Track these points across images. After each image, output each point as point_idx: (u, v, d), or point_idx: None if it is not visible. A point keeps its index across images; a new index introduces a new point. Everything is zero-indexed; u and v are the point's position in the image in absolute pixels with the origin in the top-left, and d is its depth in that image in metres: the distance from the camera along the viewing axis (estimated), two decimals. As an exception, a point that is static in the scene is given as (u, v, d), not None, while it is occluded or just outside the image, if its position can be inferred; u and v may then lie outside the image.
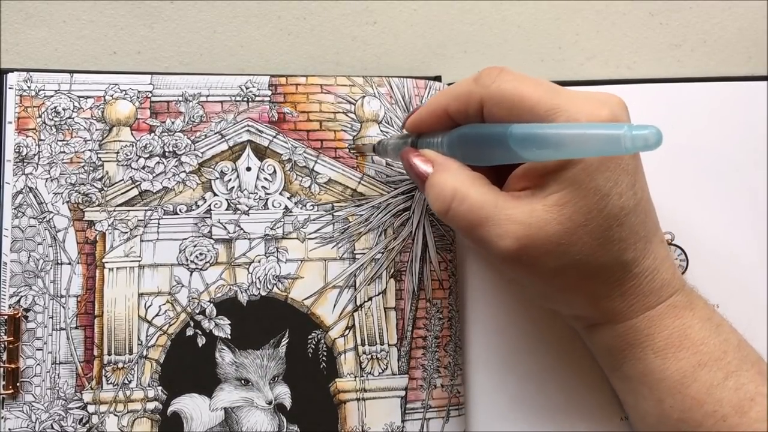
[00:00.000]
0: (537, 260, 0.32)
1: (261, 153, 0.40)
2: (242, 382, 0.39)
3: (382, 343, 0.40)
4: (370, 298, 0.40)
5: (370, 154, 0.41)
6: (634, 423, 0.37)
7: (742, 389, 0.32)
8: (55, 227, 0.38)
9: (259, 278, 0.39)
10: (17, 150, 0.38)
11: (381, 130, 0.41)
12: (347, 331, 0.40)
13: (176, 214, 0.39)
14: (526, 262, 0.32)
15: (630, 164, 0.32)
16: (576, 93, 0.31)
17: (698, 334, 0.33)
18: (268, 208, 0.40)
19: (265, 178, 0.40)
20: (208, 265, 0.39)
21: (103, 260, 0.38)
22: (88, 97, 0.39)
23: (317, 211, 0.40)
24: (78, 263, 0.38)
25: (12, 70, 0.39)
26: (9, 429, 0.37)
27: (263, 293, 0.39)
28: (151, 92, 0.40)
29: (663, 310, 0.34)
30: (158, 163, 0.39)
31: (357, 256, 0.40)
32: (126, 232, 0.39)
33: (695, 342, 0.33)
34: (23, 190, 0.38)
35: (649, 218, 0.33)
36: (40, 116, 0.39)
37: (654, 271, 0.33)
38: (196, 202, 0.39)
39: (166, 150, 0.40)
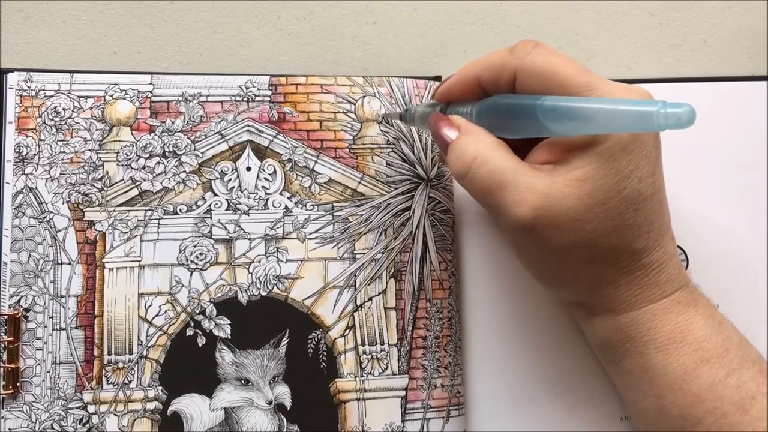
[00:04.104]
0: (551, 233, 0.32)
1: (261, 153, 0.40)
2: (242, 382, 0.39)
3: (382, 343, 0.40)
4: (370, 298, 0.40)
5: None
6: (634, 419, 0.37)
7: (744, 387, 0.32)
8: (55, 227, 0.38)
9: (259, 278, 0.39)
10: (17, 150, 0.38)
11: (381, 130, 0.41)
12: (347, 331, 0.39)
13: (176, 214, 0.39)
14: (539, 233, 0.32)
15: (652, 153, 0.32)
16: (604, 78, 0.32)
17: (701, 331, 0.33)
18: (268, 208, 0.40)
19: (265, 178, 0.40)
20: (208, 265, 0.39)
21: (103, 260, 0.38)
22: (88, 97, 0.39)
23: (317, 211, 0.40)
24: (78, 263, 0.38)
25: (12, 70, 0.39)
26: (9, 429, 0.37)
27: (263, 293, 0.39)
28: (151, 92, 0.40)
29: (666, 305, 0.34)
30: (158, 163, 0.39)
31: (357, 256, 0.40)
32: (126, 232, 0.39)
33: (698, 338, 0.33)
34: (23, 190, 0.38)
35: (664, 212, 0.34)
36: (40, 116, 0.39)
37: (662, 265, 0.33)
38: (196, 202, 0.39)
39: (166, 150, 0.40)
